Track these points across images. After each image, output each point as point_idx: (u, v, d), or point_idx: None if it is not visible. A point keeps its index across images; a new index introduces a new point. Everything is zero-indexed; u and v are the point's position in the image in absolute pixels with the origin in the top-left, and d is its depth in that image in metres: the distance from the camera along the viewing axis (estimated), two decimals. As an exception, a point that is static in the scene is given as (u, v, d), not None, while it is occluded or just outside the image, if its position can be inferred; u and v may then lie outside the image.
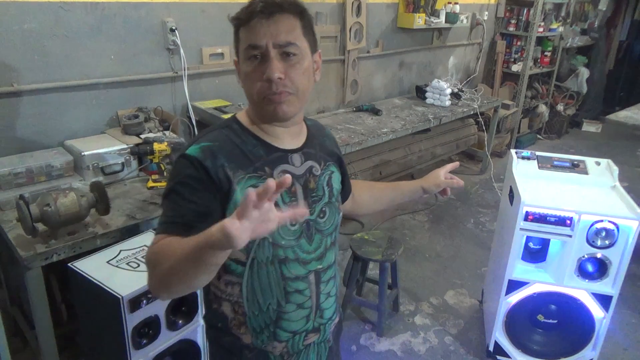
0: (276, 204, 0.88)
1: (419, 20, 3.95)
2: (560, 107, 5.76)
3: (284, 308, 1.04)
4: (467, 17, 4.50)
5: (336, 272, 1.16)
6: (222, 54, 2.87)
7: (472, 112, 4.16)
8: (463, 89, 4.50)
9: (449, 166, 1.33)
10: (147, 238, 1.82)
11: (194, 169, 0.93)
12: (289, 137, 1.04)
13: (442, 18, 4.18)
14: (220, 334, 1.09)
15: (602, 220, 1.97)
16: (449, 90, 4.06)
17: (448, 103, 4.06)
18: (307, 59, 0.99)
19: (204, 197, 0.92)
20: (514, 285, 2.17)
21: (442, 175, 1.30)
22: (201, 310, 1.78)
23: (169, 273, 0.80)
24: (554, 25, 5.24)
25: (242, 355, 1.08)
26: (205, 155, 0.94)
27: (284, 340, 1.07)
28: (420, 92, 4.24)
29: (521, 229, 2.07)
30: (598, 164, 2.30)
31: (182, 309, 1.72)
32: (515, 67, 5.18)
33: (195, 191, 0.92)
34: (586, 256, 2.05)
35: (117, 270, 1.62)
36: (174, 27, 2.55)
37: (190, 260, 0.75)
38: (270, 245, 0.99)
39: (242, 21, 0.95)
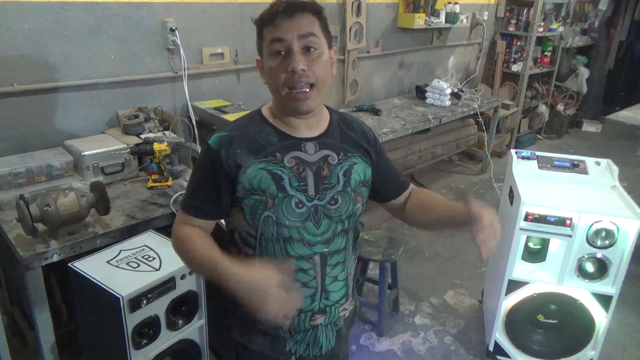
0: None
1: (419, 20, 3.95)
2: (560, 107, 5.76)
3: None
4: (467, 17, 4.50)
5: (347, 258, 1.18)
6: (222, 54, 2.87)
7: (472, 112, 4.16)
8: (463, 89, 4.50)
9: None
10: (147, 238, 1.82)
11: (209, 158, 1.08)
12: (305, 127, 1.12)
13: (442, 18, 4.18)
14: (237, 306, 1.15)
15: (602, 220, 1.98)
16: (449, 90, 4.06)
17: (448, 103, 4.06)
18: (326, 53, 1.07)
19: (214, 184, 1.08)
20: (514, 285, 2.17)
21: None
22: (204, 310, 1.79)
23: (187, 264, 1.13)
24: (554, 25, 5.24)
25: (256, 322, 1.16)
26: (221, 145, 1.08)
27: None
28: (420, 92, 4.24)
29: (521, 229, 2.07)
30: (598, 164, 2.30)
31: (182, 309, 1.72)
32: (515, 67, 5.18)
33: (205, 179, 1.09)
34: (586, 256, 2.05)
35: (117, 270, 1.62)
36: (174, 27, 2.55)
37: (203, 269, 1.07)
38: (274, 224, 1.07)
39: (266, 21, 1.03)
